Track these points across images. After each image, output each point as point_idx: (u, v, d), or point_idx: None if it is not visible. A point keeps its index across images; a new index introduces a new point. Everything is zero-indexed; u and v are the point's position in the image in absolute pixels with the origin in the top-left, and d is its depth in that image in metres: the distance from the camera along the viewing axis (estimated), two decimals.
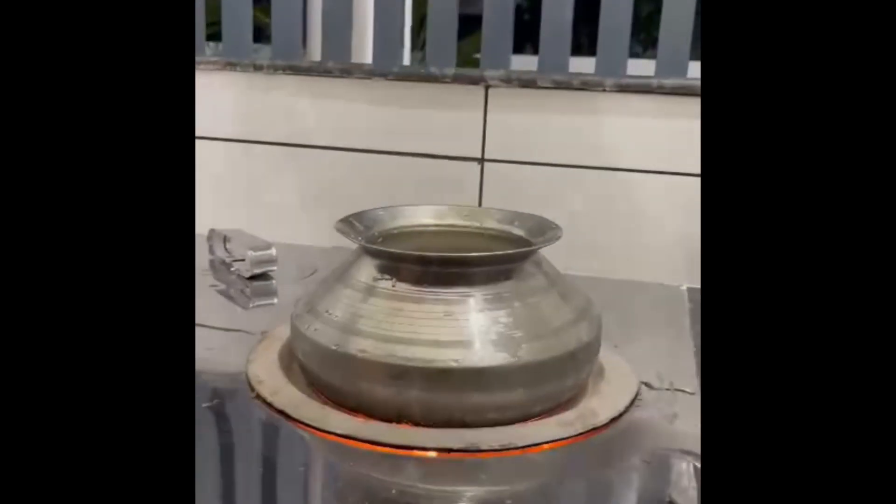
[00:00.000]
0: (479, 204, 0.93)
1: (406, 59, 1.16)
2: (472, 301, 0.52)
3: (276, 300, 0.81)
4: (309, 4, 1.25)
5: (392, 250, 0.54)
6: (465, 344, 0.50)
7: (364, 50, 1.07)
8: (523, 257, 0.55)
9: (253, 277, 0.83)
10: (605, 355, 0.61)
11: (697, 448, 0.51)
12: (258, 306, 0.80)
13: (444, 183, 0.93)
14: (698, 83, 0.84)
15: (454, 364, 0.49)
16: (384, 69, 0.92)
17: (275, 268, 0.84)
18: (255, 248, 0.82)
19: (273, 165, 0.98)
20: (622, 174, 0.89)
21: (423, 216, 0.65)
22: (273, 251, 0.83)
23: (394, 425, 0.51)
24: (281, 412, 0.52)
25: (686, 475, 0.48)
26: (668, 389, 0.59)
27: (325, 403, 0.53)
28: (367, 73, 0.92)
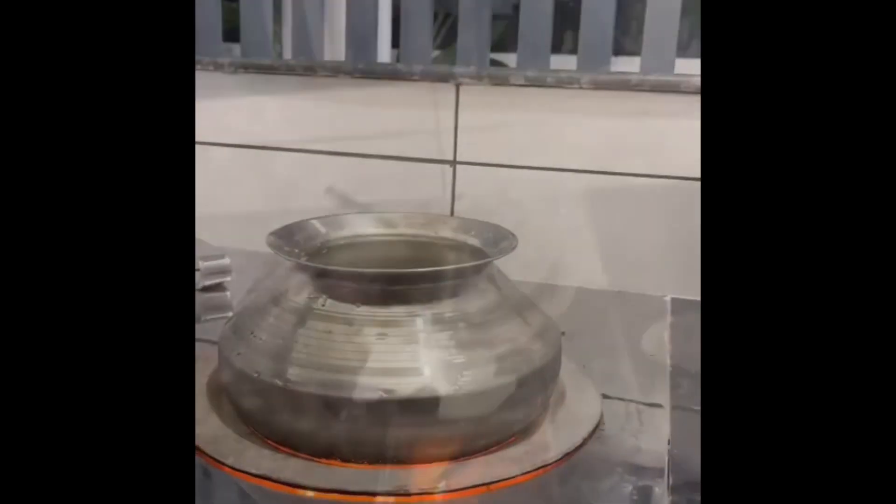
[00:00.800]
0: (452, 210, 0.87)
1: (387, 57, 1.11)
2: (409, 322, 0.47)
3: (230, 314, 0.76)
4: (283, 2, 1.20)
5: (319, 265, 0.49)
6: (399, 371, 0.45)
7: (340, 48, 1.02)
8: (469, 272, 0.50)
9: (205, 289, 0.78)
10: (570, 377, 0.56)
11: (663, 483, 0.46)
12: (210, 321, 0.75)
13: (414, 187, 0.88)
14: (682, 80, 0.78)
15: (384, 395, 0.44)
16: (350, 67, 0.87)
17: (229, 278, 0.79)
18: (206, 258, 0.77)
19: (233, 169, 0.93)
20: (603, 177, 0.83)
21: (373, 225, 0.59)
22: (226, 261, 0.78)
23: (321, 462, 0.45)
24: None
25: None
26: (633, 412, 0.54)
27: (250, 437, 0.48)
28: (331, 70, 0.87)
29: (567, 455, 0.47)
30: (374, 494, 0.42)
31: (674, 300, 0.80)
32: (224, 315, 0.76)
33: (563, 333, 0.54)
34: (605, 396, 0.56)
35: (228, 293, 0.79)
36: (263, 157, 0.91)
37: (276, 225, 0.54)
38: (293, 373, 0.45)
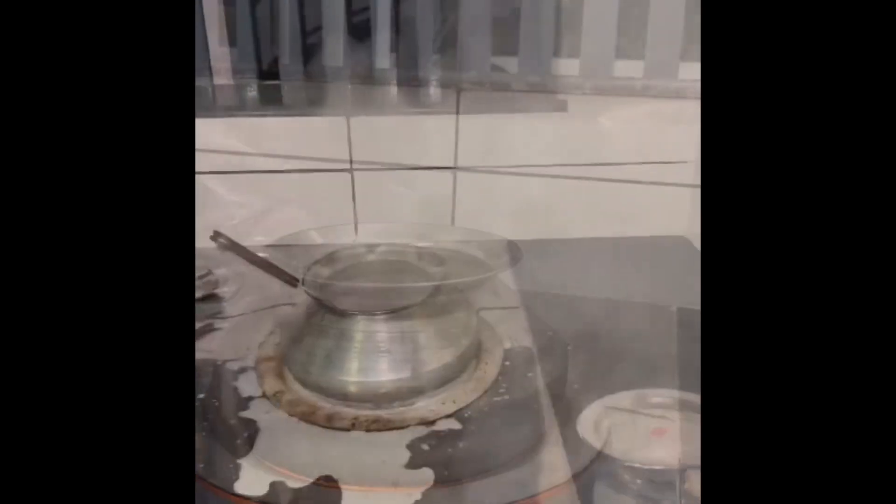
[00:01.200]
0: (452, 217, 0.85)
1: (386, 63, 1.09)
2: (411, 339, 0.45)
3: (224, 325, 0.74)
4: (280, 7, 1.18)
5: (316, 279, 0.47)
6: (399, 390, 0.43)
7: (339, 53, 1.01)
8: (473, 286, 0.48)
9: (197, 300, 0.76)
10: (575, 392, 0.54)
11: (674, 497, 0.44)
12: (202, 332, 0.73)
13: (413, 195, 0.86)
14: (687, 85, 0.77)
15: (384, 414, 0.42)
16: (347, 73, 0.85)
17: (225, 289, 0.77)
18: (199, 268, 0.75)
19: (225, 177, 0.91)
20: (607, 184, 0.82)
21: (373, 236, 0.58)
22: (220, 271, 0.76)
23: (320, 485, 0.43)
24: None
25: None
26: (642, 425, 0.52)
27: (247, 458, 0.46)
28: (328, 76, 0.85)
29: (576, 476, 0.45)
30: None
31: (680, 310, 0.78)
32: (217, 328, 0.74)
33: (568, 346, 0.52)
34: (611, 409, 0.54)
35: (225, 303, 0.77)
36: (256, 165, 0.90)
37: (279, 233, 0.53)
38: (290, 392, 0.43)
